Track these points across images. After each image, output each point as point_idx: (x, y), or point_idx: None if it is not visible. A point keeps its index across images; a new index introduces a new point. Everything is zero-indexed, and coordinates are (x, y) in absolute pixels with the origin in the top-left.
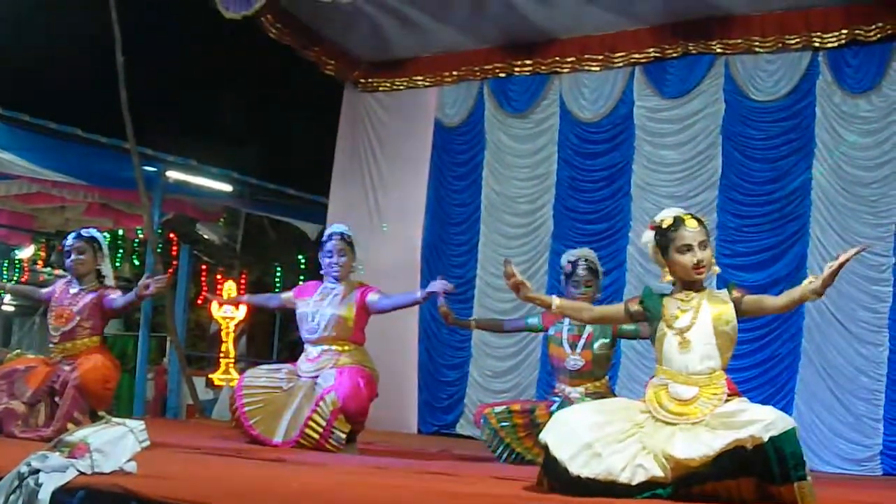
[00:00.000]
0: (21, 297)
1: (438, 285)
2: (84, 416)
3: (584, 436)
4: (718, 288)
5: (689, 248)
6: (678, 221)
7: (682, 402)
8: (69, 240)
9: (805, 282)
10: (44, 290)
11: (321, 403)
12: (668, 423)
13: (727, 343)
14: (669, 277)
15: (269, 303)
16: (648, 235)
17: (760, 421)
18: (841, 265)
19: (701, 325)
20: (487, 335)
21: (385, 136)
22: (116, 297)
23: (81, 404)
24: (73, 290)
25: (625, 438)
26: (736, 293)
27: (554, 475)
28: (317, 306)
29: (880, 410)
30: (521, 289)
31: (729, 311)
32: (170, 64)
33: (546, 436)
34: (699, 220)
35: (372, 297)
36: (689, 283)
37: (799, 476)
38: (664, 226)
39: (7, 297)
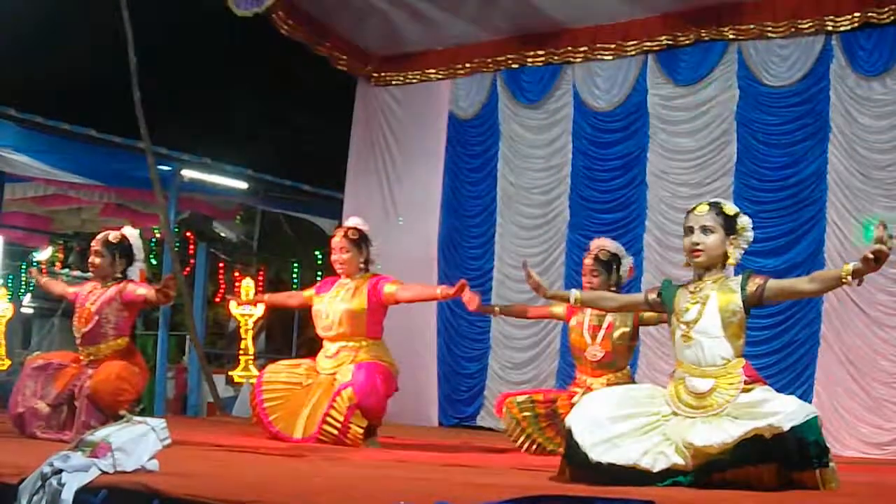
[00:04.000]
0: (53, 293)
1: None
2: (100, 426)
3: (608, 428)
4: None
5: (690, 230)
6: (696, 206)
7: (700, 395)
8: (94, 242)
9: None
10: (71, 290)
11: (338, 399)
12: (688, 416)
13: (737, 332)
14: (686, 260)
15: (289, 301)
16: None
17: (781, 412)
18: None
19: (708, 318)
20: (507, 326)
21: (399, 129)
22: (137, 288)
23: (95, 414)
24: (94, 291)
25: (648, 431)
26: (755, 281)
27: (575, 460)
28: (330, 302)
29: None
30: (541, 290)
31: (736, 300)
32: (182, 63)
33: (570, 420)
34: (719, 210)
35: (389, 288)
36: (701, 270)
37: (822, 464)
38: (689, 209)
39: (26, 299)
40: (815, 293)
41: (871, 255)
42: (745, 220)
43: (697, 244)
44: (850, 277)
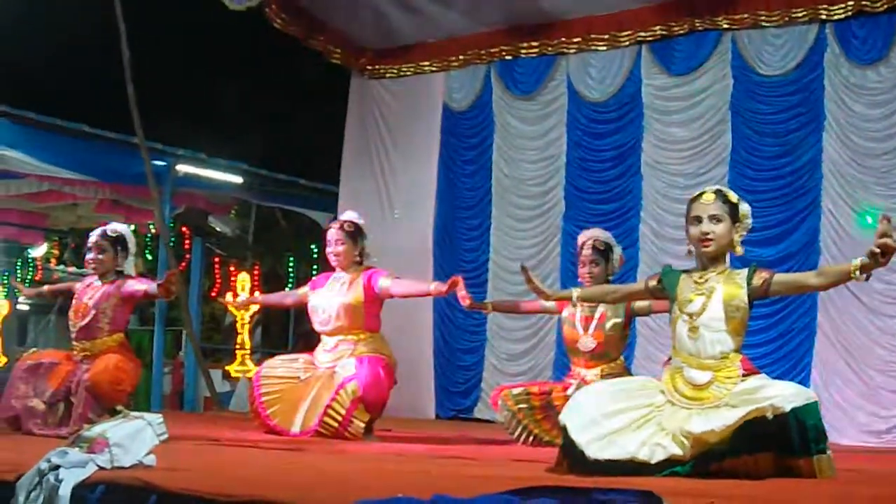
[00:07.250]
0: (60, 295)
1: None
2: (98, 418)
3: (603, 424)
4: (736, 266)
5: (698, 219)
6: (700, 194)
7: (697, 387)
8: (92, 237)
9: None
10: (78, 285)
11: (341, 392)
12: (684, 408)
13: (739, 327)
14: (687, 248)
15: (284, 300)
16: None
17: (781, 394)
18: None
19: (712, 310)
20: (502, 318)
21: (393, 122)
22: (136, 283)
23: (94, 406)
24: (92, 286)
25: (643, 424)
26: (761, 275)
27: (572, 457)
28: (326, 297)
29: None
30: (542, 293)
31: (741, 295)
32: (176, 57)
33: (565, 417)
34: (725, 198)
35: (383, 283)
36: (707, 260)
37: (819, 449)
38: (692, 197)
39: (22, 297)
40: (822, 287)
41: (876, 250)
42: (745, 208)
43: (707, 233)
44: (858, 273)
